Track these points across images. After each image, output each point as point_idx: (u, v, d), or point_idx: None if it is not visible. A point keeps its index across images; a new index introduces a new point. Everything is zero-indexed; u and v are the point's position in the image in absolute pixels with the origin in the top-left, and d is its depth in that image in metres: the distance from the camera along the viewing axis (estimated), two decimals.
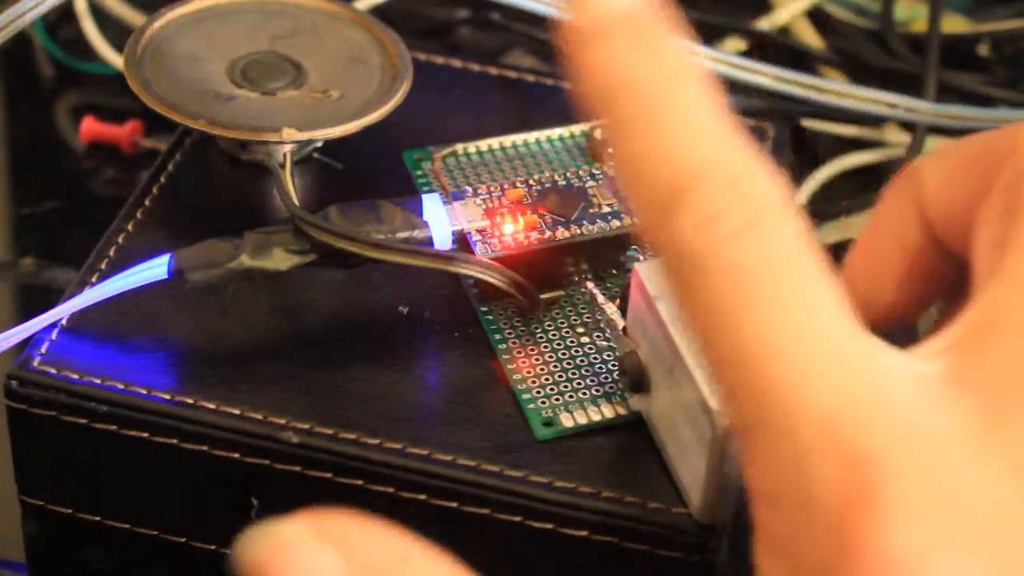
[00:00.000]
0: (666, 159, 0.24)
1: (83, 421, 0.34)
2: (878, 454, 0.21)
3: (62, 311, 0.35)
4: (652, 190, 0.24)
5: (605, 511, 0.32)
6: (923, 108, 0.48)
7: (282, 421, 0.34)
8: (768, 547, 0.23)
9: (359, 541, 0.22)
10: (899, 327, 0.30)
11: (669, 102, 0.24)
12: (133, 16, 0.53)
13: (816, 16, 0.57)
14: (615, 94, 0.24)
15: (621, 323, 0.34)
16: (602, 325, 0.36)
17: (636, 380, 0.33)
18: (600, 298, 0.35)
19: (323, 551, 0.22)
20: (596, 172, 0.39)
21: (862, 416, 0.22)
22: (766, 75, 0.48)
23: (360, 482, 0.33)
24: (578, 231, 0.37)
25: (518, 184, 0.38)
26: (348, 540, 0.22)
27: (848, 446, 0.22)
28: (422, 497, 0.33)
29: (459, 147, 0.41)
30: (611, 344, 0.36)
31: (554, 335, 0.36)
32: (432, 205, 0.36)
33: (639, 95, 0.24)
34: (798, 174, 0.50)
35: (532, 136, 0.42)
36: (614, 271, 0.38)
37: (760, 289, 0.23)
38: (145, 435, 0.34)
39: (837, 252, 0.47)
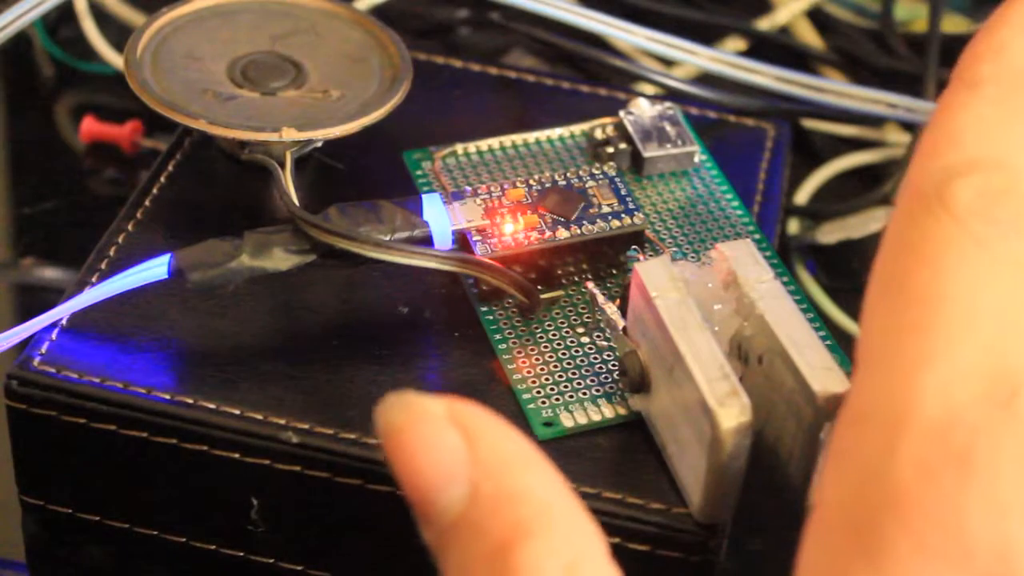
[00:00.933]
0: None
1: (83, 421, 0.34)
2: None
3: (62, 311, 0.35)
4: None
5: (605, 511, 0.32)
6: (923, 108, 0.48)
7: (282, 421, 0.34)
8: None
9: (485, 434, 0.23)
10: None
11: None
12: (133, 16, 0.53)
13: (816, 16, 0.57)
14: None
15: (621, 323, 0.34)
16: (602, 325, 0.36)
17: (636, 380, 0.33)
18: (600, 298, 0.35)
19: (451, 433, 0.23)
20: (596, 172, 0.39)
21: None
22: (766, 75, 0.48)
23: (360, 482, 0.33)
24: (578, 231, 0.37)
25: (518, 184, 0.38)
26: (475, 430, 0.23)
27: None
28: None
29: (459, 147, 0.41)
30: (611, 344, 0.36)
31: (554, 335, 0.36)
32: (432, 205, 0.36)
33: None
34: (798, 174, 0.50)
35: (532, 136, 0.42)
36: (614, 271, 0.38)
37: None
38: (145, 435, 0.34)
39: (837, 252, 0.47)
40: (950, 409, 0.22)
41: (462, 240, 0.37)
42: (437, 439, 0.23)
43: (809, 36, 0.56)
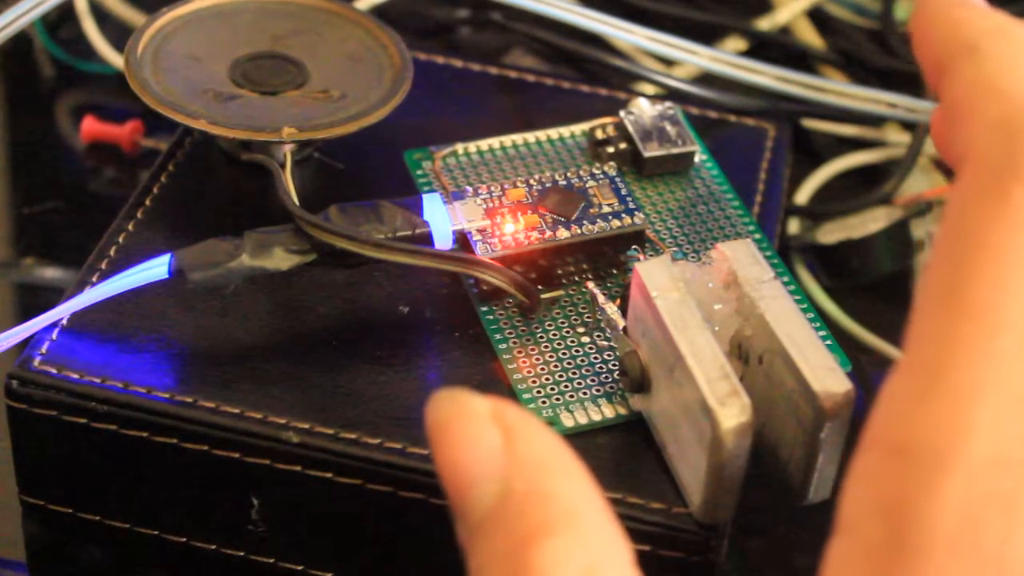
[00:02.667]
0: None
1: (83, 421, 0.34)
2: None
3: (62, 311, 0.35)
4: None
5: None
6: (923, 108, 0.48)
7: (282, 421, 0.34)
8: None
9: (523, 435, 0.24)
10: None
11: None
12: (133, 16, 0.53)
13: (816, 16, 0.57)
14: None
15: (621, 323, 0.34)
16: (602, 325, 0.36)
17: (636, 380, 0.33)
18: (600, 298, 0.35)
19: (491, 431, 0.24)
20: (596, 172, 0.39)
21: None
22: (766, 75, 0.48)
23: (360, 482, 0.33)
24: (578, 231, 0.37)
25: (518, 184, 0.38)
26: (515, 430, 0.24)
27: None
28: (421, 497, 0.33)
29: (459, 147, 0.41)
30: (611, 344, 0.36)
31: (554, 335, 0.36)
32: (432, 205, 0.36)
33: None
34: (798, 174, 0.50)
35: (532, 136, 0.42)
36: (614, 271, 0.38)
37: None
38: (145, 435, 0.34)
39: (837, 252, 0.47)
40: (999, 447, 0.21)
41: (462, 240, 0.37)
42: (477, 435, 0.23)
43: (809, 36, 0.56)
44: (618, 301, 0.35)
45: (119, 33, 0.52)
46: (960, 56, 0.26)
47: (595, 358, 0.36)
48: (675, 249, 0.39)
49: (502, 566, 0.22)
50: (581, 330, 0.36)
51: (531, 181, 0.38)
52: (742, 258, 0.33)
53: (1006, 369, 0.22)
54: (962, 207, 0.24)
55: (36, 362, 0.35)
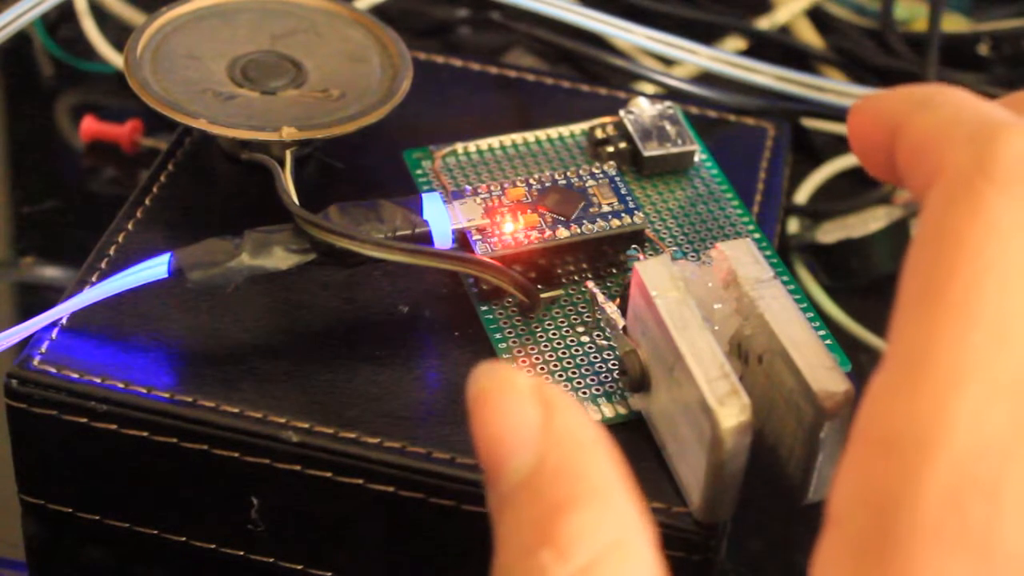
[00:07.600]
0: None
1: (83, 420, 0.34)
2: None
3: (62, 310, 0.35)
4: None
5: None
6: None
7: (282, 420, 0.34)
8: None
9: (562, 412, 0.24)
10: None
11: None
12: (133, 16, 0.53)
13: (816, 16, 0.57)
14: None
15: (621, 322, 0.34)
16: (602, 324, 0.36)
17: (636, 379, 0.33)
18: (600, 297, 0.35)
19: (531, 407, 0.24)
20: (596, 171, 0.39)
21: None
22: (766, 75, 0.48)
23: (360, 481, 0.33)
24: (578, 230, 0.37)
25: (518, 183, 0.38)
26: (554, 406, 0.24)
27: None
28: (421, 496, 0.33)
29: (459, 146, 0.41)
30: (611, 343, 0.36)
31: (554, 334, 0.36)
32: (432, 204, 0.36)
33: None
34: (798, 174, 0.50)
35: (532, 135, 0.42)
36: (614, 270, 0.38)
37: None
38: (145, 435, 0.34)
39: (837, 252, 0.47)
40: (980, 436, 0.22)
41: (462, 239, 0.37)
42: (517, 407, 0.24)
43: (809, 35, 0.56)
44: (618, 300, 0.35)
45: (119, 33, 0.52)
46: (914, 111, 0.27)
47: (595, 357, 0.36)
48: (675, 248, 0.39)
49: (530, 533, 0.23)
50: (581, 329, 0.36)
51: (531, 180, 0.38)
52: (742, 257, 0.33)
53: (984, 360, 0.22)
54: (937, 209, 0.24)
55: (36, 361, 0.35)
